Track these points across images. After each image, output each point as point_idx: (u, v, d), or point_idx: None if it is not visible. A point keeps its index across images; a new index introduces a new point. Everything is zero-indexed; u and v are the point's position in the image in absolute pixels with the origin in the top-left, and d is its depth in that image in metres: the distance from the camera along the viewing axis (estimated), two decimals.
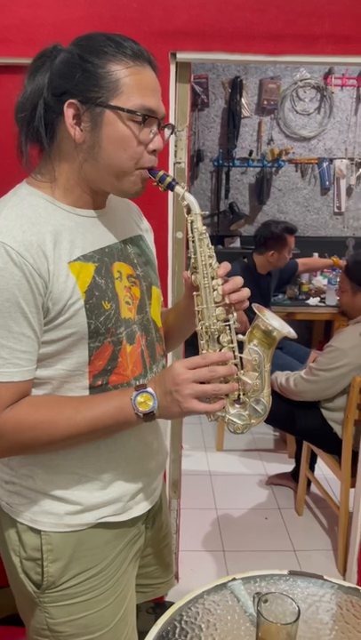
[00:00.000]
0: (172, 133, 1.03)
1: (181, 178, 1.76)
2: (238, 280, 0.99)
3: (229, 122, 4.23)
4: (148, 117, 0.92)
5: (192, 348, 1.79)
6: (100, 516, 1.04)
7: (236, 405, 1.01)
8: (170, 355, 1.80)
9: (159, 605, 1.91)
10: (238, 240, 4.42)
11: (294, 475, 2.84)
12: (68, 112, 0.91)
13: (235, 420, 1.00)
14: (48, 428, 0.92)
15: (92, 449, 1.01)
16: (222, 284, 0.98)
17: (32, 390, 0.96)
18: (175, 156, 1.73)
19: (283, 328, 1.00)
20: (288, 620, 0.94)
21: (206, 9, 1.56)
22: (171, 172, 1.72)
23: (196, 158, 4.32)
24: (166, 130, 0.99)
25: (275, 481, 2.96)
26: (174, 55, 1.60)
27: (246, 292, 1.00)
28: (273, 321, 1.00)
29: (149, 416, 0.94)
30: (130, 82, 0.90)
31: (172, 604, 1.91)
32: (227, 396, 0.97)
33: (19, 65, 1.52)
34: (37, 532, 1.02)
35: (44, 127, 0.94)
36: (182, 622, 1.03)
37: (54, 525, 1.02)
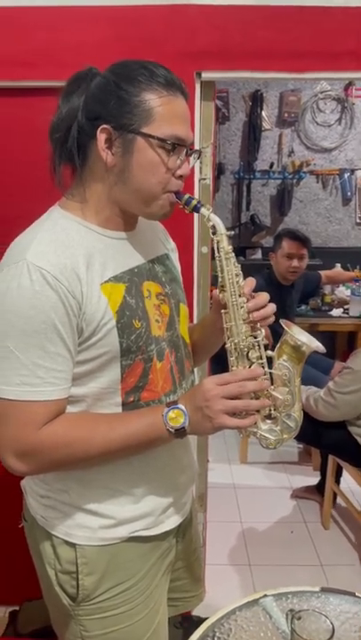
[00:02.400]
0: (198, 159, 1.05)
1: (206, 194, 1.78)
2: (263, 297, 1.01)
3: (250, 135, 4.27)
4: (177, 146, 0.94)
5: (216, 365, 1.80)
6: (133, 529, 1.06)
7: (268, 421, 1.02)
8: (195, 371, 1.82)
9: (186, 619, 1.91)
10: (260, 251, 4.43)
11: (320, 488, 2.81)
12: (101, 137, 0.94)
13: (267, 435, 1.01)
14: (83, 444, 0.94)
15: (124, 464, 1.03)
16: (247, 302, 1.00)
17: (67, 408, 0.98)
18: (200, 172, 1.76)
19: (311, 342, 1.02)
20: (322, 638, 0.94)
21: (229, 29, 1.58)
22: (196, 189, 1.74)
23: (217, 171, 4.35)
24: (193, 156, 1.02)
25: (300, 494, 2.93)
26: (199, 74, 1.63)
27: (271, 308, 1.01)
28: (301, 336, 1.02)
29: (181, 432, 0.95)
30: (162, 111, 0.93)
31: (198, 617, 1.92)
32: (258, 411, 0.98)
33: (44, 87, 1.59)
34: (72, 545, 1.04)
35: (77, 149, 0.97)
36: (215, 639, 1.03)
37: (88, 539, 1.04)
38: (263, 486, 3.06)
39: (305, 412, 2.42)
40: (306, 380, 2.61)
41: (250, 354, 1.00)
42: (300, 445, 3.46)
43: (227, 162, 4.39)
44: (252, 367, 0.99)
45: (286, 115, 4.23)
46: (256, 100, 4.18)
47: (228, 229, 1.02)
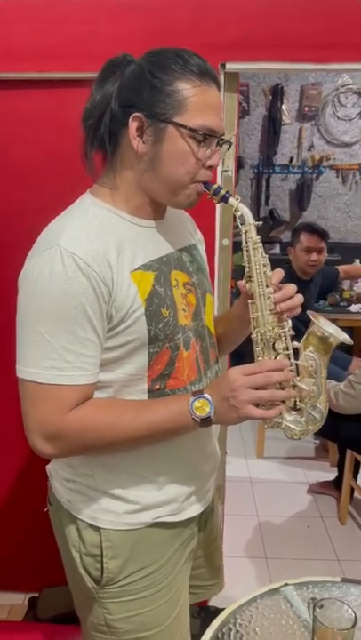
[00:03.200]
0: (229, 148, 1.05)
1: (228, 185, 1.78)
2: (290, 288, 1.01)
3: (270, 129, 4.25)
4: (208, 136, 0.94)
5: (237, 358, 1.81)
6: (157, 515, 1.07)
7: (293, 412, 1.02)
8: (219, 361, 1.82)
9: (203, 609, 1.92)
10: (278, 246, 4.41)
11: (337, 483, 2.80)
12: (133, 125, 0.94)
13: (292, 426, 1.01)
14: (110, 429, 0.95)
15: (149, 451, 1.03)
16: (274, 293, 1.00)
17: (95, 393, 0.99)
18: (222, 164, 1.76)
19: (338, 334, 1.01)
20: (344, 626, 0.94)
21: (255, 20, 1.58)
22: (218, 181, 1.74)
23: (236, 165, 4.34)
24: (224, 146, 1.01)
25: (317, 489, 2.93)
26: (223, 66, 1.63)
27: (298, 299, 1.01)
28: (328, 327, 1.01)
29: (206, 421, 0.96)
30: (195, 101, 0.93)
31: (215, 608, 1.93)
32: (283, 402, 0.98)
33: (72, 79, 1.60)
34: (97, 529, 1.05)
35: (109, 136, 0.97)
36: (237, 625, 1.04)
37: (113, 523, 1.05)
38: (280, 481, 3.06)
39: None
40: None
41: (276, 344, 1.00)
42: (317, 441, 3.46)
43: (246, 156, 4.38)
44: (278, 358, 0.99)
45: (307, 108, 4.20)
46: (276, 93, 4.15)
47: (258, 226, 1.02)
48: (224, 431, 2.04)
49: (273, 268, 1.04)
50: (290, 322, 1.01)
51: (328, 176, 4.36)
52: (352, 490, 2.69)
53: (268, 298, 0.99)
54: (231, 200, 1.00)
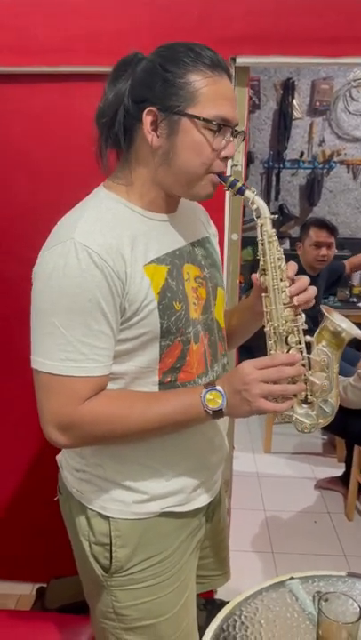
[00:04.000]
0: (243, 140, 1.05)
1: (238, 180, 1.78)
2: (305, 280, 1.02)
3: (280, 123, 4.22)
4: (222, 126, 0.95)
5: (245, 351, 1.81)
6: (165, 505, 1.09)
7: (304, 405, 1.03)
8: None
9: (210, 602, 1.94)
10: (288, 242, 4.39)
11: (344, 479, 2.80)
12: (147, 119, 0.95)
13: (302, 419, 1.02)
14: (122, 420, 0.97)
15: (158, 442, 1.05)
16: (289, 286, 1.00)
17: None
18: (232, 158, 1.75)
19: (351, 329, 1.02)
20: (349, 620, 0.95)
21: (265, 14, 1.57)
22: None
23: (246, 160, 4.32)
24: (238, 137, 1.02)
25: (324, 485, 2.93)
26: (234, 60, 1.62)
27: (312, 291, 1.02)
28: (342, 322, 1.02)
29: (218, 413, 0.97)
30: (207, 92, 0.93)
31: (221, 600, 1.95)
32: (295, 396, 0.99)
33: (82, 73, 1.60)
34: (106, 518, 1.07)
35: (123, 132, 0.98)
36: (242, 617, 1.05)
37: (122, 513, 1.07)
38: (287, 476, 3.06)
39: None
40: None
41: (289, 338, 1.00)
42: (325, 437, 3.45)
43: (256, 151, 4.36)
44: (291, 352, 1.00)
45: (318, 103, 4.17)
46: (287, 88, 4.12)
47: (274, 220, 1.02)
48: (232, 426, 2.04)
49: None
50: (303, 316, 1.01)
51: (339, 171, 4.34)
52: (360, 486, 2.69)
53: (283, 292, 1.00)
54: (248, 192, 1.00)
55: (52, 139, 1.66)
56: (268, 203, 4.40)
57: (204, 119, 0.93)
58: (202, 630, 1.09)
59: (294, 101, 4.18)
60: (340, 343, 1.01)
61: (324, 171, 4.32)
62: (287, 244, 4.39)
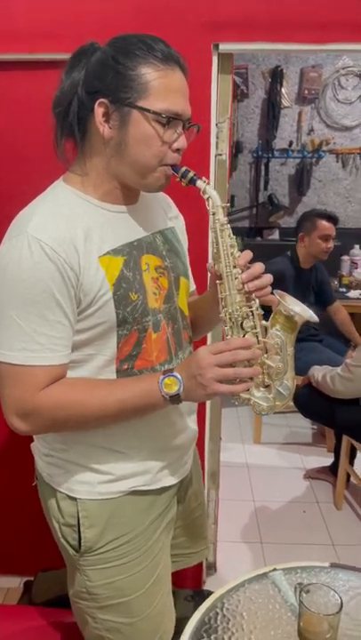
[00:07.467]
0: (197, 132, 1.05)
1: (222, 169, 1.75)
2: (257, 268, 1.03)
3: (269, 112, 4.19)
4: (172, 119, 0.96)
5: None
6: (132, 485, 1.12)
7: (262, 389, 1.05)
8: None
9: (198, 594, 1.94)
10: (277, 232, 4.38)
11: (333, 469, 2.81)
12: (99, 110, 0.96)
13: (260, 402, 1.05)
14: (82, 407, 0.99)
15: (120, 427, 1.07)
16: (242, 273, 1.02)
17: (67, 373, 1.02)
18: (217, 148, 1.73)
19: (304, 313, 1.04)
20: (330, 612, 0.95)
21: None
22: (212, 164, 1.72)
23: (234, 150, 4.29)
24: (193, 129, 1.03)
25: (313, 475, 2.94)
26: (217, 46, 1.59)
27: (267, 279, 1.04)
28: (295, 306, 1.04)
29: (175, 398, 0.99)
30: (158, 85, 0.94)
31: (210, 592, 1.94)
32: (252, 379, 1.01)
33: (66, 60, 1.56)
34: (74, 499, 1.10)
35: (77, 123, 1.00)
36: (224, 609, 1.04)
37: (88, 493, 1.10)
38: (276, 466, 3.07)
39: (319, 391, 2.43)
40: (322, 362, 2.62)
41: (244, 323, 1.03)
42: (315, 427, 3.46)
43: (245, 140, 4.33)
44: (246, 336, 1.02)
45: (306, 91, 4.14)
46: (276, 76, 4.09)
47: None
48: (219, 417, 2.04)
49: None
50: (257, 301, 1.03)
51: (328, 160, 4.32)
52: (348, 475, 2.70)
53: (236, 278, 1.02)
54: (199, 182, 1.02)
55: (34, 127, 1.62)
56: (257, 192, 4.41)
57: (153, 112, 0.94)
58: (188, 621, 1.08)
59: (283, 90, 4.15)
60: (294, 326, 1.04)
61: (314, 160, 4.30)
62: (277, 235, 4.38)
